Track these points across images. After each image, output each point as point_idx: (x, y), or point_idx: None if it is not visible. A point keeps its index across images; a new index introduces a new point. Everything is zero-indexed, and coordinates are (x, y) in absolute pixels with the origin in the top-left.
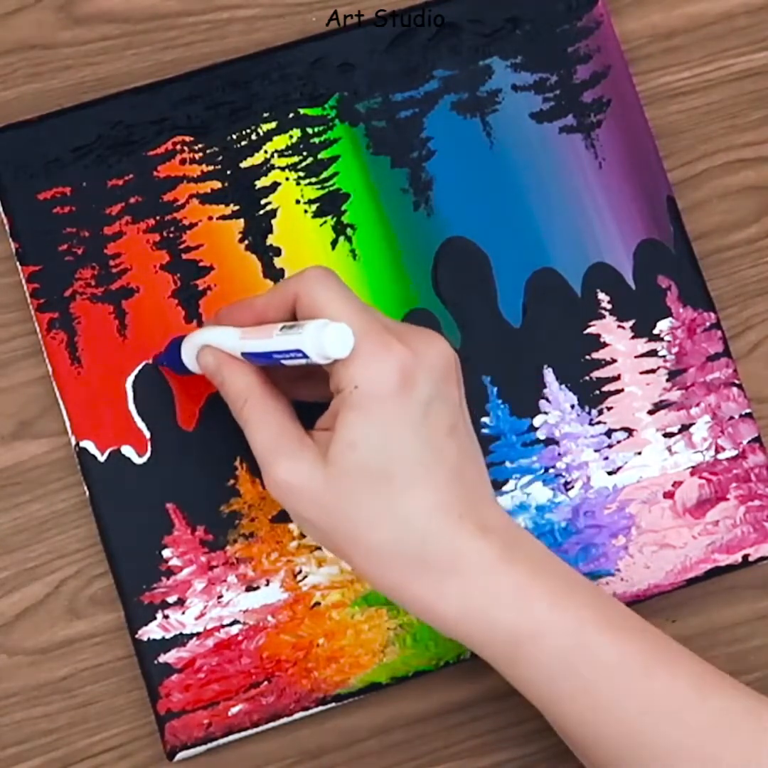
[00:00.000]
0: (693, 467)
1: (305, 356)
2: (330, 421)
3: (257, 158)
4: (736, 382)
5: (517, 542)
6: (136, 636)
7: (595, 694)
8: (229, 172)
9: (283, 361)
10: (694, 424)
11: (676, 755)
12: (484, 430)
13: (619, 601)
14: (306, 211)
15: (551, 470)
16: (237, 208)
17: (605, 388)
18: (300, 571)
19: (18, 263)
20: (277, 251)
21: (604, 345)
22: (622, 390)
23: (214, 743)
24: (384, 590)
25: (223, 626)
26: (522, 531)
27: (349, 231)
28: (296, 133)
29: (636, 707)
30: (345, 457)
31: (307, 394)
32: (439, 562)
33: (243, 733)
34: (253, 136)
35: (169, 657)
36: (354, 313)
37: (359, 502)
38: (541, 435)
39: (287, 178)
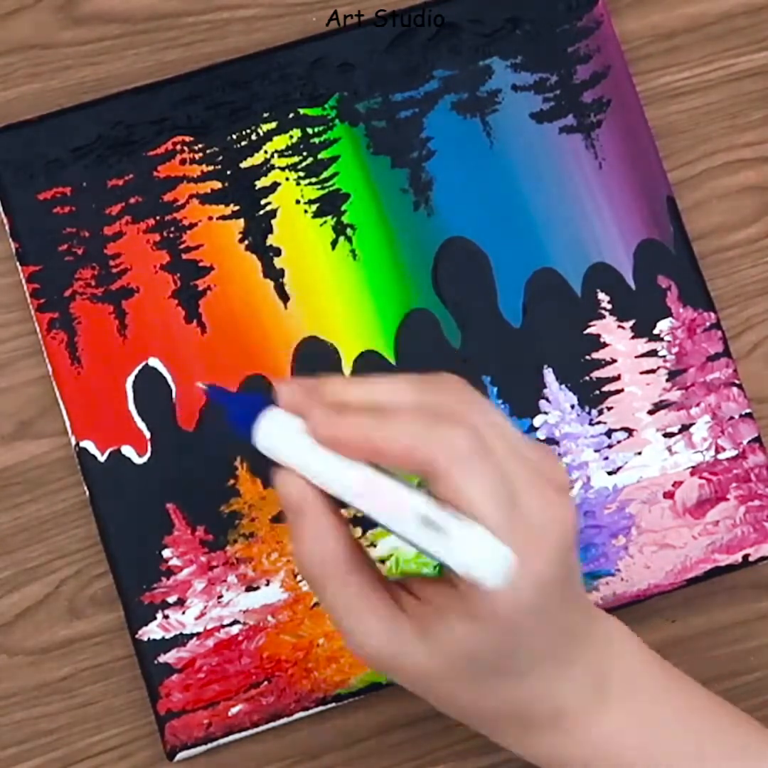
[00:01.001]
0: (693, 467)
1: (436, 558)
2: (430, 594)
3: (257, 158)
4: (736, 382)
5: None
6: (136, 636)
7: None
8: (229, 172)
9: (396, 531)
10: (694, 424)
11: None
12: None
13: (622, 599)
14: (306, 211)
15: None
16: (237, 208)
17: (605, 388)
18: None
19: (18, 263)
20: (277, 251)
21: (604, 345)
22: (622, 390)
23: (214, 743)
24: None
25: (223, 626)
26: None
27: (349, 231)
28: (296, 133)
29: None
30: (458, 663)
31: None
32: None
33: (243, 733)
34: (253, 136)
35: (169, 657)
36: (504, 523)
37: (470, 690)
38: (541, 435)
39: (287, 178)
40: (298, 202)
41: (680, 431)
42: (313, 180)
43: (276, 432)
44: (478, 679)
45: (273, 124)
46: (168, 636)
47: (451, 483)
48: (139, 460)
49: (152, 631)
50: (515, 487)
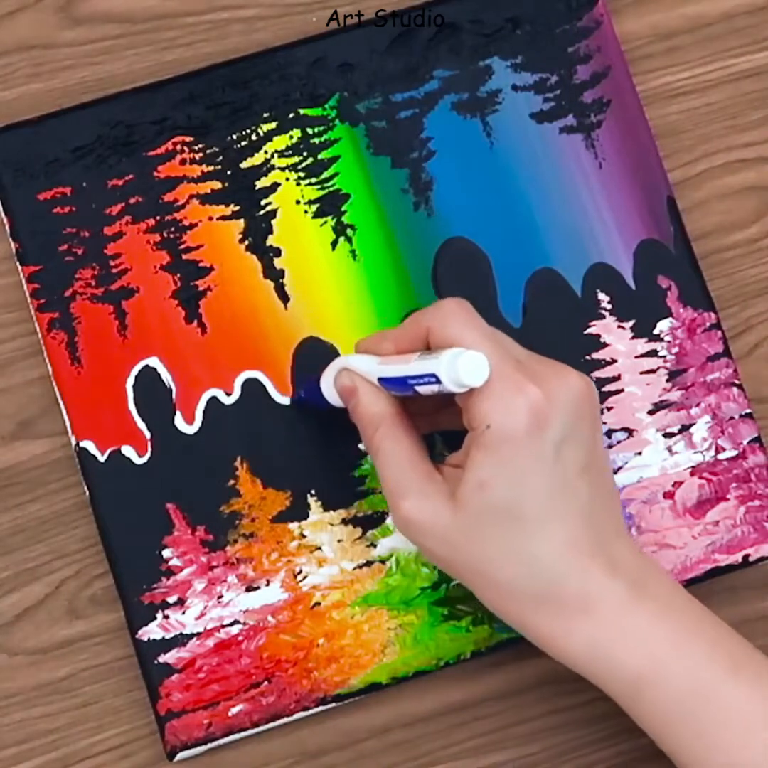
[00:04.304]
0: (693, 467)
1: (439, 382)
2: (462, 458)
3: (257, 158)
4: (736, 382)
5: (645, 579)
6: (136, 636)
7: (713, 737)
8: (229, 173)
9: (418, 388)
10: (694, 424)
11: None
12: None
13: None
14: (306, 212)
15: None
16: (237, 208)
17: (605, 389)
18: (300, 571)
19: (18, 263)
20: (277, 252)
21: (604, 345)
22: (622, 390)
23: (214, 743)
24: (511, 623)
25: (223, 626)
26: (652, 565)
27: (349, 231)
28: (296, 133)
29: (756, 753)
30: (474, 497)
31: (448, 422)
32: (567, 601)
33: (243, 733)
34: (253, 137)
35: (169, 657)
36: (488, 347)
37: (488, 541)
38: None
39: (287, 179)
40: (298, 202)
41: (680, 431)
42: (313, 180)
43: (332, 365)
44: (496, 525)
45: (273, 125)
46: (168, 636)
47: (441, 332)
48: (139, 460)
49: (152, 631)
50: (511, 349)
